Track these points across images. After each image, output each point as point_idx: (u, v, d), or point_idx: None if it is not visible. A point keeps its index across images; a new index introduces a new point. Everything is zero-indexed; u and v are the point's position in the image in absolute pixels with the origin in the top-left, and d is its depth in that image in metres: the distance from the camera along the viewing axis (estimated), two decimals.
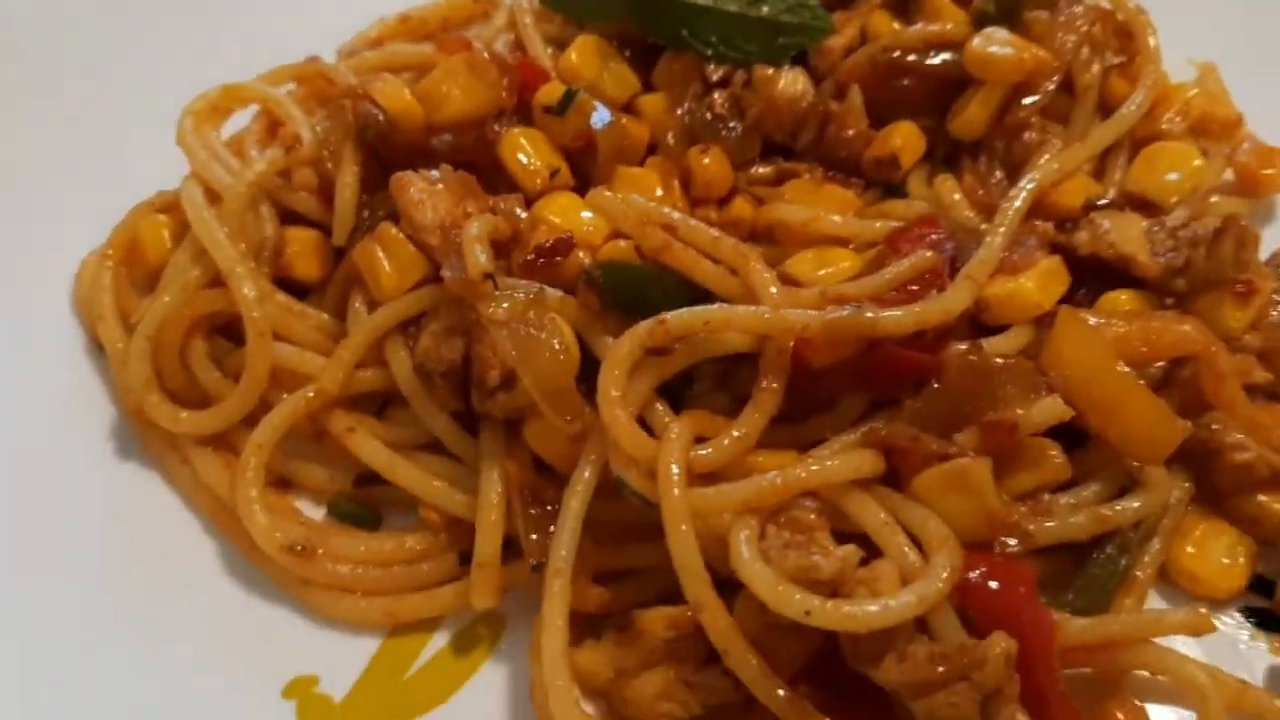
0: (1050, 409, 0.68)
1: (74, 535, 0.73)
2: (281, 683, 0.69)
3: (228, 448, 0.77)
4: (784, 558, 0.63)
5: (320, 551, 0.72)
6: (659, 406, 0.69)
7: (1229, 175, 0.93)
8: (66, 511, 0.74)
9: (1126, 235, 0.80)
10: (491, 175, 0.82)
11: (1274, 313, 0.80)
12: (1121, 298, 0.79)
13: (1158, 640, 0.68)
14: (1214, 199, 0.91)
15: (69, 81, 0.93)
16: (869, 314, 0.67)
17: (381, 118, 0.78)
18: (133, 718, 0.66)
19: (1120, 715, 0.67)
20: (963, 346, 0.72)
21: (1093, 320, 0.73)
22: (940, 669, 0.62)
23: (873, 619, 0.59)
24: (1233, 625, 0.72)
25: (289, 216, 0.83)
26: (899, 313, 0.67)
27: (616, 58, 0.90)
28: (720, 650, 0.64)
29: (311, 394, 0.76)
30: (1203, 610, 0.67)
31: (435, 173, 0.78)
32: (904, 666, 0.62)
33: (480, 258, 0.72)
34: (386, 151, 0.79)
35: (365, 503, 0.77)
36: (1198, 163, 0.85)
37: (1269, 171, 0.91)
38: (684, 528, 0.63)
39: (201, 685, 0.68)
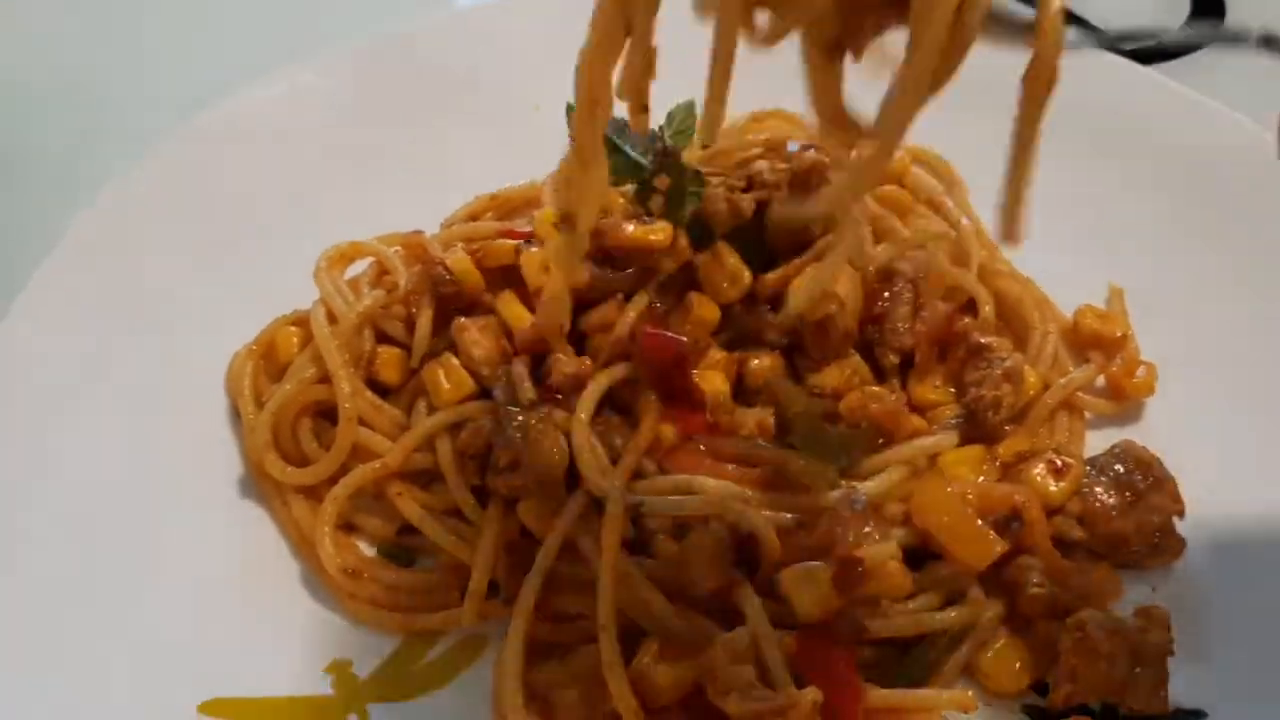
0: (883, 550, 0.90)
1: (205, 543, 0.99)
2: (325, 661, 0.93)
3: (315, 497, 1.01)
4: None
5: (365, 575, 0.97)
6: None
7: (1101, 381, 1.12)
8: (203, 526, 1.00)
9: None
10: None
11: (1098, 488, 1.01)
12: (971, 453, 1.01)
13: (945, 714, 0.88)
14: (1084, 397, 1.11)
15: (250, 225, 1.20)
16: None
17: (449, 279, 1.05)
18: (226, 662, 0.91)
19: None
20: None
21: (949, 488, 0.96)
22: (767, 706, 0.86)
23: None
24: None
25: (382, 337, 1.08)
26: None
27: None
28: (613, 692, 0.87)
29: (379, 466, 1.00)
30: (969, 693, 0.88)
31: (481, 320, 1.04)
32: (744, 703, 0.85)
33: (530, 392, 0.99)
34: (451, 302, 1.06)
35: (404, 547, 1.01)
36: None
37: (1132, 379, 1.10)
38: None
39: (272, 653, 0.93)
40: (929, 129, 1.17)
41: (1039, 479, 0.98)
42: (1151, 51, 1.53)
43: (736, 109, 1.31)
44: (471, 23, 1.48)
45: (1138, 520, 0.98)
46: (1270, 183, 1.21)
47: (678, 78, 1.23)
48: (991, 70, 1.38)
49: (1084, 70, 1.37)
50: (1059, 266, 1.19)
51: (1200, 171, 1.26)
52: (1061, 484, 0.98)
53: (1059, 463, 0.99)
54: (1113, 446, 1.04)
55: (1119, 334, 1.14)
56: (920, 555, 0.95)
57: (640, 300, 1.05)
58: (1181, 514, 1.00)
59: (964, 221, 1.22)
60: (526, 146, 1.26)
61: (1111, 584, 0.97)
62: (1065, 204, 1.25)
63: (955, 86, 1.39)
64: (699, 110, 1.16)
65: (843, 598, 0.89)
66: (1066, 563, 0.96)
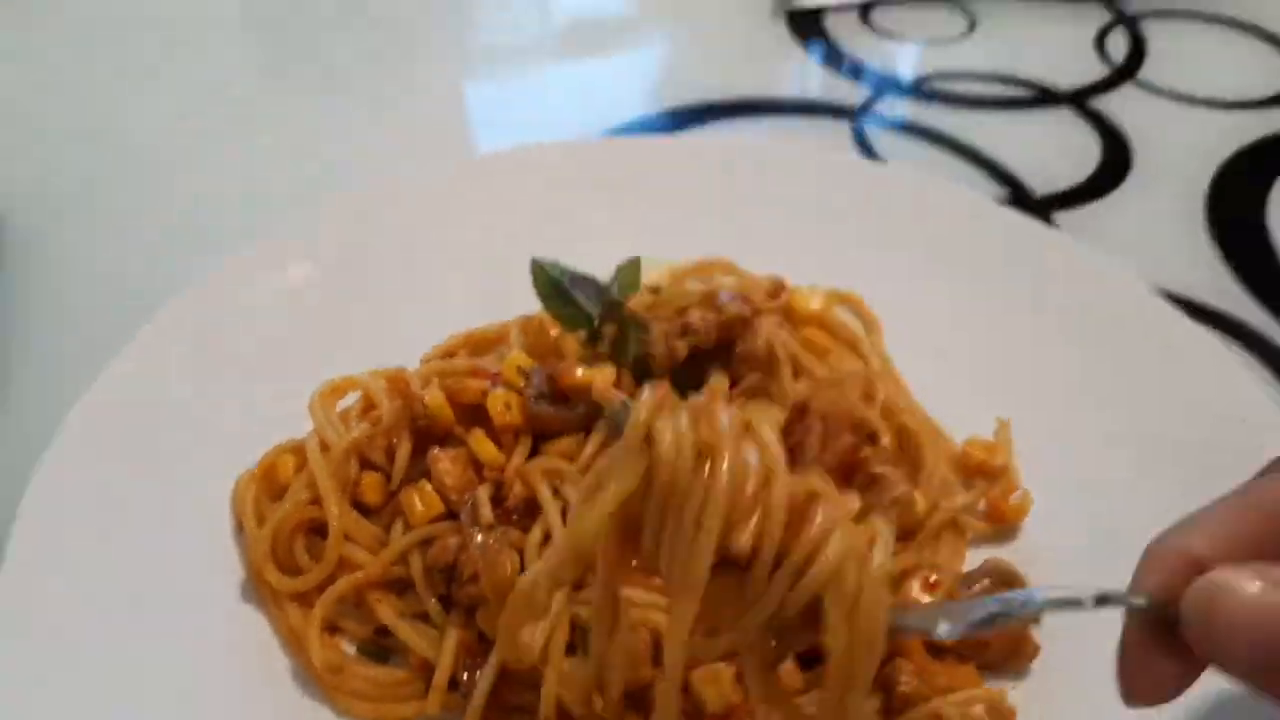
0: None
1: (210, 641, 1.14)
2: None
3: (306, 602, 1.18)
4: None
5: (346, 671, 1.13)
6: None
7: (983, 505, 1.30)
8: (208, 626, 1.16)
9: None
10: None
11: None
12: None
13: None
14: (967, 519, 1.30)
15: (253, 369, 1.37)
16: None
17: (425, 414, 1.24)
18: None
19: None
20: None
21: None
22: None
23: None
24: None
25: (366, 463, 1.25)
26: None
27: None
28: None
29: (360, 576, 1.18)
30: None
31: (452, 451, 1.23)
32: None
33: (489, 515, 1.17)
34: (426, 433, 1.24)
35: (380, 646, 1.18)
36: None
37: (1009, 503, 1.28)
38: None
39: None
40: (851, 267, 1.39)
41: (914, 594, 1.16)
42: (1056, 198, 1.74)
43: (684, 254, 1.53)
44: (473, 171, 1.70)
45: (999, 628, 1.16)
46: (1149, 333, 1.40)
47: (624, 241, 1.44)
48: (904, 217, 1.59)
49: (983, 224, 1.60)
50: (952, 405, 1.38)
51: (1092, 328, 1.44)
52: (934, 598, 1.16)
53: (932, 579, 1.17)
54: (983, 563, 1.22)
55: (1000, 463, 1.33)
56: (811, 658, 1.13)
57: (598, 435, 1.24)
58: (1037, 621, 1.18)
59: (874, 361, 1.42)
60: (500, 289, 1.46)
61: (973, 683, 1.14)
62: (961, 348, 1.45)
63: (875, 229, 1.61)
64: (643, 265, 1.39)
65: (742, 695, 1.07)
66: (935, 665, 1.13)
